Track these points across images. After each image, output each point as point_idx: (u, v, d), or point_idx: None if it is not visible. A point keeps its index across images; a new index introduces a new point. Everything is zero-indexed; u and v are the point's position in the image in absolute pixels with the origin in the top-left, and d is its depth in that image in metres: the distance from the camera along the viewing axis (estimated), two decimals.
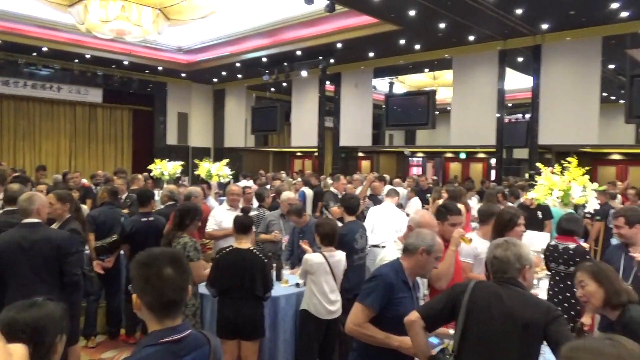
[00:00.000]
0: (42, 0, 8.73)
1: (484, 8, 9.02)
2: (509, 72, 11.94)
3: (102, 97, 16.28)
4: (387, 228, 5.78)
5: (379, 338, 2.51)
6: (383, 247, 5.16)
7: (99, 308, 5.27)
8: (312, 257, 3.92)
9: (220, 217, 5.31)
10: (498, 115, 11.56)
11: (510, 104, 14.49)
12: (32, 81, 14.74)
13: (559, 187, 5.91)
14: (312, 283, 3.90)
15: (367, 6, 9.29)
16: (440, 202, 7.37)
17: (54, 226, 4.01)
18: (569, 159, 6.18)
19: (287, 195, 5.62)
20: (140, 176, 8.34)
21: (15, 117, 15.16)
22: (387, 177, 10.60)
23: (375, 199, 7.28)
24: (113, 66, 15.20)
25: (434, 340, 2.46)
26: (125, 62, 14.75)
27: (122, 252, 5.34)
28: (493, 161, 15.29)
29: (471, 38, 11.10)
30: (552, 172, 6.18)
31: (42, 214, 3.53)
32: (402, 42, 11.53)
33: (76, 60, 14.45)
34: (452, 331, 2.50)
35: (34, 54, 13.73)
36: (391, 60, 13.35)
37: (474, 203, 7.88)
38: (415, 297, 2.67)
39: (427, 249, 2.60)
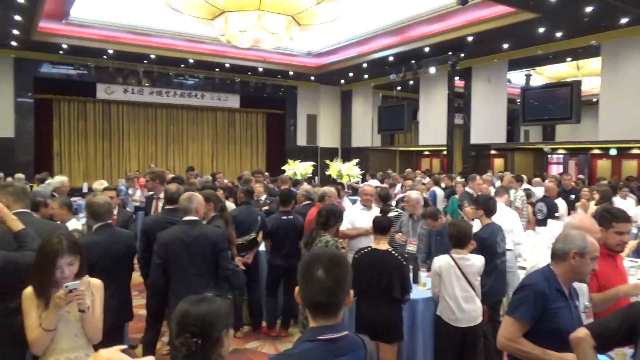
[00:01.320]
0: (190, 15, 9.56)
1: None
2: None
3: (239, 103, 17.50)
4: None
5: (535, 354, 2.28)
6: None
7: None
8: (440, 260, 3.79)
9: (354, 216, 5.35)
10: None
11: None
12: (181, 90, 16.33)
13: None
14: (443, 287, 3.76)
15: None
16: (592, 204, 6.73)
17: None
18: None
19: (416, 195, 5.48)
20: (285, 177, 8.74)
21: (167, 123, 16.91)
22: (525, 177, 9.92)
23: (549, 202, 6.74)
24: (249, 73, 16.24)
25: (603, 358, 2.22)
26: (260, 69, 15.66)
27: (262, 248, 5.68)
28: None
29: (624, 21, 9.92)
30: None
31: (200, 212, 3.85)
32: (541, 30, 10.67)
33: (217, 70, 15.71)
34: (628, 350, 2.21)
35: (182, 65, 15.20)
36: (528, 51, 12.44)
37: (632, 205, 7.01)
38: (573, 307, 2.39)
39: (579, 252, 2.34)
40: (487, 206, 4.65)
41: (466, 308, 3.70)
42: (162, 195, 5.47)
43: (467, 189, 7.30)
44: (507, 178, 8.78)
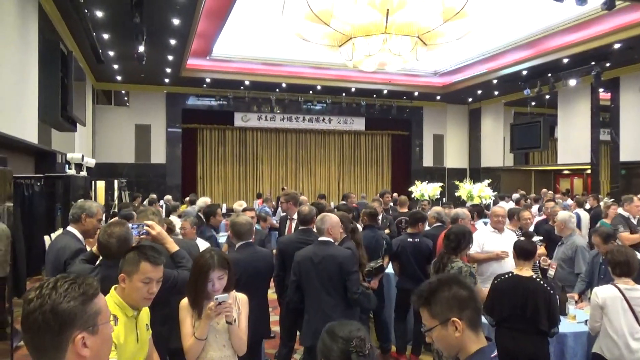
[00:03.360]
0: (319, 44, 9.97)
1: None
2: None
3: (364, 125, 17.75)
4: None
5: None
6: None
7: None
8: (604, 291, 3.38)
9: (483, 239, 5.04)
10: None
11: None
12: (309, 115, 17.08)
13: None
14: (607, 321, 3.34)
15: None
16: None
17: None
18: None
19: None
20: (405, 198, 8.64)
21: (296, 147, 17.72)
22: None
23: None
24: (374, 96, 16.45)
25: None
26: (385, 91, 15.77)
27: (389, 270, 5.58)
28: None
29: None
30: None
31: (334, 233, 3.92)
32: None
33: (343, 94, 16.16)
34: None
35: (310, 92, 15.88)
36: None
37: None
38: None
39: None
40: None
41: (634, 347, 3.26)
42: (295, 216, 5.68)
43: (620, 210, 6.53)
44: None
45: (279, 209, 9.11)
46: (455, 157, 18.59)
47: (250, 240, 3.87)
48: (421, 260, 5.17)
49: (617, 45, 10.47)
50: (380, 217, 7.31)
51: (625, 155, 12.77)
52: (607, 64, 11.76)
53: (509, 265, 4.44)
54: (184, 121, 15.77)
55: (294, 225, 5.72)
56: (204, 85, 14.86)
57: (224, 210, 12.76)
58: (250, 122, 16.61)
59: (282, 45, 12.01)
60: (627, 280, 3.36)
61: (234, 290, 2.78)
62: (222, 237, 6.49)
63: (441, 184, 12.25)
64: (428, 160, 18.33)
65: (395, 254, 5.30)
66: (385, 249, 5.37)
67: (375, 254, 5.39)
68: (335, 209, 5.60)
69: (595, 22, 9.92)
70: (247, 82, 14.49)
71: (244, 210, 5.90)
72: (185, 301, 2.66)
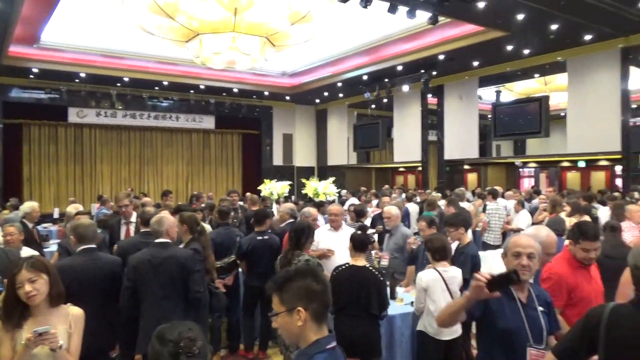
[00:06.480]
0: (164, 38, 9.55)
1: (602, 4, 8.34)
2: (634, 71, 10.88)
3: (214, 124, 17.46)
4: None
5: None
6: None
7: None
8: (426, 275, 3.80)
9: (318, 237, 5.00)
10: (622, 118, 10.55)
11: (635, 106, 13.19)
12: (155, 112, 16.24)
13: None
14: (430, 302, 3.76)
15: (472, 14, 9.00)
16: (544, 216, 6.93)
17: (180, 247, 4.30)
18: None
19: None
20: (255, 197, 8.70)
21: (141, 146, 16.72)
22: (499, 189, 10.13)
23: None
24: (224, 94, 16.25)
25: None
26: (235, 90, 15.68)
27: (239, 270, 5.60)
28: (618, 169, 13.93)
29: (587, 37, 10.30)
30: None
31: (171, 234, 3.81)
32: (509, 48, 11.00)
33: (192, 91, 15.68)
34: None
35: (156, 87, 15.12)
36: (497, 68, 12.79)
37: (603, 215, 7.21)
38: (530, 308, 2.45)
39: (504, 252, 2.57)
40: (467, 223, 4.71)
41: None
42: (133, 219, 5.41)
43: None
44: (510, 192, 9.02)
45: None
46: (304, 156, 19.23)
47: (94, 246, 3.60)
48: (270, 256, 5.24)
49: (441, 57, 11.78)
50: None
51: (448, 154, 14.46)
52: (434, 73, 13.16)
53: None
54: (6, 115, 13.87)
55: (132, 228, 5.41)
56: (31, 76, 13.24)
57: (56, 215, 11.62)
58: (88, 119, 15.24)
59: (124, 37, 11.23)
60: (444, 263, 3.82)
61: (70, 304, 2.55)
62: (54, 246, 5.90)
63: (290, 182, 12.58)
64: (278, 159, 18.68)
65: (246, 253, 5.31)
66: (239, 247, 5.38)
67: (230, 252, 5.38)
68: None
69: (423, 34, 11.04)
70: (82, 75, 13.27)
71: (77, 214, 5.41)
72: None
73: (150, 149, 16.90)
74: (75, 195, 15.17)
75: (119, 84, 14.45)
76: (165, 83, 14.45)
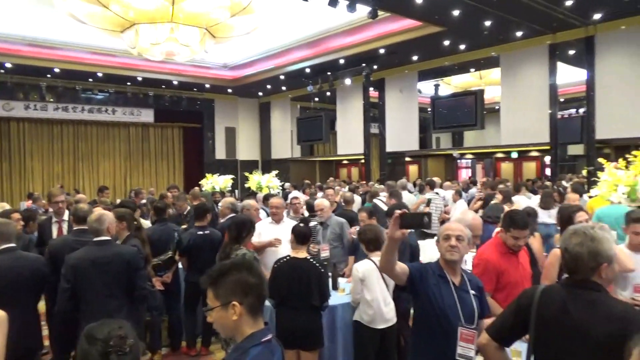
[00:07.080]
0: (97, 27, 9.14)
1: (532, 2, 8.75)
2: (561, 66, 11.50)
3: (153, 117, 16.88)
4: None
5: None
6: None
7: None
8: (362, 265, 3.86)
9: (260, 229, 5.01)
10: (550, 111, 11.15)
11: (562, 99, 13.96)
12: (89, 105, 15.50)
13: (625, 183, 5.60)
14: (366, 292, 3.81)
15: (410, 9, 9.21)
16: (479, 205, 7.24)
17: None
18: (634, 152, 5.84)
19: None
20: (197, 191, 8.54)
21: (75, 140, 15.95)
22: (438, 179, 10.45)
23: None
24: (163, 86, 15.75)
25: None
26: (175, 82, 15.25)
27: (179, 266, 5.48)
28: (547, 159, 14.73)
29: (519, 34, 10.78)
30: (616, 167, 5.87)
31: (112, 231, 3.69)
32: (447, 43, 11.34)
33: (129, 83, 15.10)
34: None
35: (90, 79, 14.44)
36: (436, 63, 13.16)
37: (534, 203, 7.60)
38: (463, 291, 2.62)
39: (437, 239, 2.77)
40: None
41: (385, 310, 3.80)
42: (65, 217, 5.17)
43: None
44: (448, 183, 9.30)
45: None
46: (247, 149, 19.02)
47: (13, 245, 3.45)
48: (211, 251, 5.15)
49: (382, 50, 11.97)
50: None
51: (390, 147, 14.75)
52: (375, 66, 13.37)
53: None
54: None
55: (65, 226, 5.17)
56: None
57: None
58: (15, 112, 14.34)
59: (54, 25, 10.65)
60: (379, 253, 3.87)
61: None
62: None
63: (233, 176, 12.42)
64: (221, 153, 18.36)
65: (186, 248, 5.20)
66: (176, 243, 5.25)
67: (167, 248, 5.24)
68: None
69: (365, 28, 11.17)
70: (8, 65, 12.46)
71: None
72: None
73: (85, 144, 16.14)
74: (3, 193, 14.30)
75: (49, 75, 13.67)
76: (100, 75, 13.83)
